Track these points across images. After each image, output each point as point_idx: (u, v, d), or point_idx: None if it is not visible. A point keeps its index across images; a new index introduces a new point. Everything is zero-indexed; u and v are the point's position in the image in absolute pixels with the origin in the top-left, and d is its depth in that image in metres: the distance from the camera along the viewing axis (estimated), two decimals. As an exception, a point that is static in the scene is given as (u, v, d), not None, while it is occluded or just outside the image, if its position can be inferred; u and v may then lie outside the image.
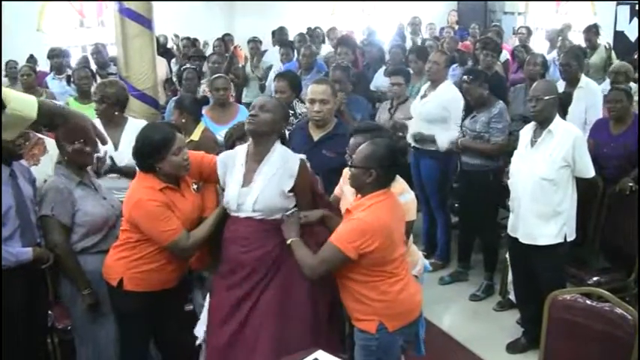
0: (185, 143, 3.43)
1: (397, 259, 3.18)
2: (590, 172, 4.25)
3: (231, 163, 3.38)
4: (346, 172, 3.64)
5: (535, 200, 4.24)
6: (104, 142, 2.11)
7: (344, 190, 3.64)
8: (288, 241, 3.21)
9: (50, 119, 1.95)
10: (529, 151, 4.30)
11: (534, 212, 4.26)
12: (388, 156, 3.12)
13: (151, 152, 3.30)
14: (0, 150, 3.25)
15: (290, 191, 3.27)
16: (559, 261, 4.34)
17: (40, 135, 4.24)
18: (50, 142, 4.22)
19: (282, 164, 3.27)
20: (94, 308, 3.68)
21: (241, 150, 3.40)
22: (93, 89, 5.07)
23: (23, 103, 1.84)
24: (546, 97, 4.18)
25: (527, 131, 4.41)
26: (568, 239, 4.27)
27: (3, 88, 1.59)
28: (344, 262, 3.09)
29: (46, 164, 4.12)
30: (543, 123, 4.23)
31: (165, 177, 3.36)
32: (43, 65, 9.16)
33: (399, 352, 3.29)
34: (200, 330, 3.51)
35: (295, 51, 8.41)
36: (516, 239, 4.42)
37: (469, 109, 5.49)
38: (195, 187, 3.48)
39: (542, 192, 4.20)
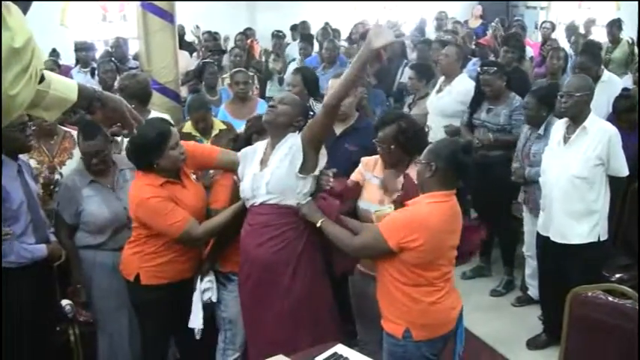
0: (179, 137, 3.48)
1: (440, 269, 3.03)
2: (624, 170, 4.17)
3: (251, 156, 3.40)
4: (367, 160, 3.64)
5: (568, 199, 4.15)
6: (140, 124, 2.15)
7: (366, 176, 3.61)
8: (318, 224, 3.17)
9: (89, 102, 1.99)
10: (562, 148, 4.21)
11: (567, 211, 4.18)
12: (449, 151, 3.02)
13: (149, 149, 3.31)
14: None
15: (302, 172, 3.21)
16: (592, 261, 4.22)
17: (65, 128, 4.27)
18: None
19: (292, 145, 3.25)
20: (82, 306, 3.78)
21: (262, 144, 3.43)
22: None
23: (64, 85, 1.88)
24: (578, 94, 4.10)
25: (559, 127, 4.31)
26: (601, 239, 4.18)
27: (44, 71, 1.62)
28: (384, 251, 2.98)
29: (78, 158, 4.16)
30: (576, 119, 4.14)
31: (163, 172, 3.38)
32: (66, 59, 9.23)
33: None
34: (196, 321, 3.52)
35: (317, 45, 8.41)
36: (547, 238, 4.35)
37: (478, 102, 5.42)
38: (193, 177, 3.53)
39: (576, 190, 4.12)
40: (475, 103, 5.42)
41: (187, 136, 4.95)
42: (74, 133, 4.28)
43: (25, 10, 1.31)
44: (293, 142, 3.25)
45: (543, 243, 4.44)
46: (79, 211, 3.72)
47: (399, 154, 3.43)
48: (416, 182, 3.20)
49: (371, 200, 3.50)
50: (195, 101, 5.09)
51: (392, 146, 3.40)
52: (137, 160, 3.44)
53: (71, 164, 4.15)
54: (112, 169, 3.83)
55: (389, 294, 3.08)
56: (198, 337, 3.53)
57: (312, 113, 4.98)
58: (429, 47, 7.82)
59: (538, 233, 4.49)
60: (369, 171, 3.60)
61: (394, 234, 2.93)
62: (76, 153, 4.17)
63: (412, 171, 3.37)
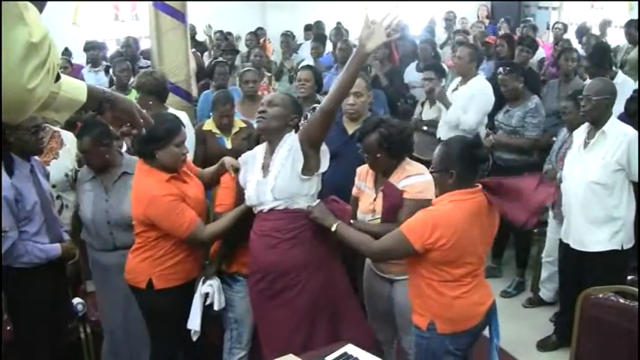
0: (185, 137, 3.49)
1: (466, 267, 2.97)
2: None
3: (251, 161, 3.36)
4: (360, 170, 3.63)
5: (587, 205, 4.07)
6: (149, 125, 2.16)
7: (361, 187, 3.60)
8: (333, 228, 3.12)
9: (99, 104, 1.99)
10: (582, 153, 4.14)
11: (586, 217, 4.09)
12: (464, 152, 2.97)
13: (156, 138, 3.29)
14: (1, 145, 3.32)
15: (305, 173, 3.16)
16: (612, 270, 4.06)
17: (55, 128, 4.28)
18: (67, 136, 4.29)
19: (291, 147, 3.19)
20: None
21: (260, 149, 3.38)
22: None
23: (73, 87, 1.89)
24: (596, 98, 4.00)
25: (580, 132, 4.24)
26: (625, 247, 4.08)
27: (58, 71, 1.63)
28: (408, 253, 2.95)
29: (65, 157, 4.20)
30: (596, 123, 4.06)
31: (163, 169, 3.37)
32: (78, 58, 9.28)
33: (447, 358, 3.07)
34: (194, 322, 3.48)
35: (331, 45, 8.42)
36: (568, 245, 4.29)
37: (501, 103, 5.42)
38: None
39: (595, 196, 4.04)
40: (497, 105, 5.41)
41: (208, 133, 4.99)
42: (63, 133, 4.31)
43: (40, 10, 1.33)
44: (291, 143, 3.19)
45: (564, 250, 4.37)
46: (79, 203, 3.81)
47: (387, 161, 3.40)
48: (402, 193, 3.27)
49: (364, 210, 3.50)
50: (222, 96, 5.12)
51: (377, 155, 3.38)
52: (142, 147, 3.40)
53: (56, 164, 4.15)
54: (114, 171, 3.79)
55: (418, 288, 3.06)
56: (194, 338, 3.50)
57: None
58: (431, 47, 7.82)
59: (561, 240, 4.43)
60: (362, 181, 3.59)
61: (418, 236, 2.89)
62: (62, 153, 4.20)
63: (413, 168, 3.38)
